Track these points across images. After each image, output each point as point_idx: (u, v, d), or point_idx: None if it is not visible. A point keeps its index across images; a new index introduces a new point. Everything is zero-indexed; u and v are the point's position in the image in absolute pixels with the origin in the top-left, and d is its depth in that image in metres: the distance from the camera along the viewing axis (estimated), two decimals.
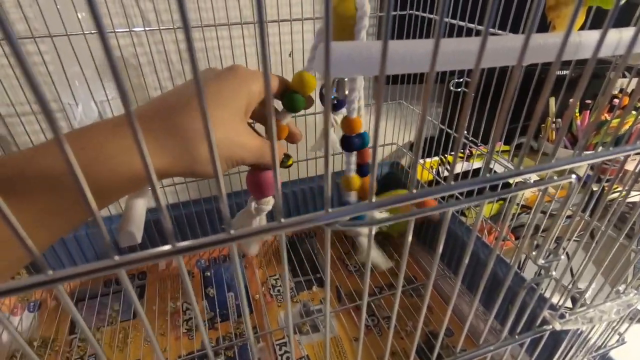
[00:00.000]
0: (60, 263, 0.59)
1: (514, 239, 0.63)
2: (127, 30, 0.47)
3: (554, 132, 0.84)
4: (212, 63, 0.56)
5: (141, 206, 0.30)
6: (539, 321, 0.25)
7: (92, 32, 0.44)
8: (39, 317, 0.57)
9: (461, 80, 0.47)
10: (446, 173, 0.74)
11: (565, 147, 0.84)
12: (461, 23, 0.47)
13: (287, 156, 0.29)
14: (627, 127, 0.79)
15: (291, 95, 0.27)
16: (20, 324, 0.55)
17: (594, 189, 0.72)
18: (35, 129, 0.54)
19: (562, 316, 0.25)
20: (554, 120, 0.82)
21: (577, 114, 0.81)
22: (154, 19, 0.54)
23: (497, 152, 0.80)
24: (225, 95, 0.23)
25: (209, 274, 0.64)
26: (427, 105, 0.12)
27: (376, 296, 0.59)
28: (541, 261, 0.19)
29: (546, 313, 0.25)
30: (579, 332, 0.28)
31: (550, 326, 0.25)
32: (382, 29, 0.11)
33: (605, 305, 0.26)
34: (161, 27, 0.50)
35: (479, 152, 0.69)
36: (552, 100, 0.80)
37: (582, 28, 0.27)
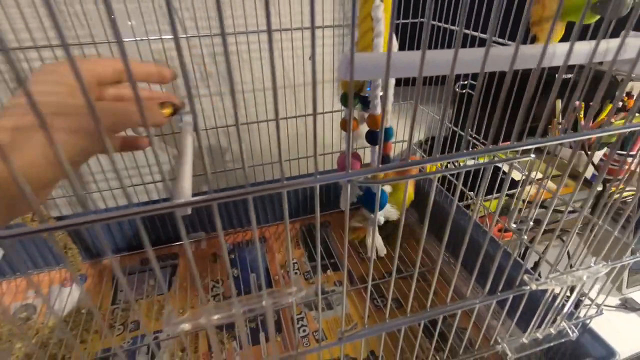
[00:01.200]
0: None
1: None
2: (171, 37, 0.54)
3: (559, 132, 0.87)
4: (233, 65, 0.63)
5: (188, 170, 0.37)
6: (517, 282, 0.30)
7: (142, 38, 0.51)
8: (85, 289, 0.64)
9: (466, 82, 0.52)
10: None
11: (570, 147, 0.87)
12: (472, 32, 0.53)
13: (162, 105, 0.28)
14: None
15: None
16: (70, 294, 0.62)
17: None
18: None
19: (537, 279, 0.30)
20: (559, 121, 0.86)
21: (582, 116, 0.85)
22: (190, 25, 0.60)
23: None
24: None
25: (233, 256, 0.70)
26: (419, 91, 0.17)
27: (385, 279, 0.64)
28: (512, 225, 0.25)
29: (525, 277, 0.31)
30: (551, 297, 0.33)
31: (528, 287, 0.30)
32: (387, 44, 0.17)
33: (578, 272, 0.31)
34: (197, 34, 0.57)
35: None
36: (558, 102, 0.84)
37: (563, 40, 0.32)
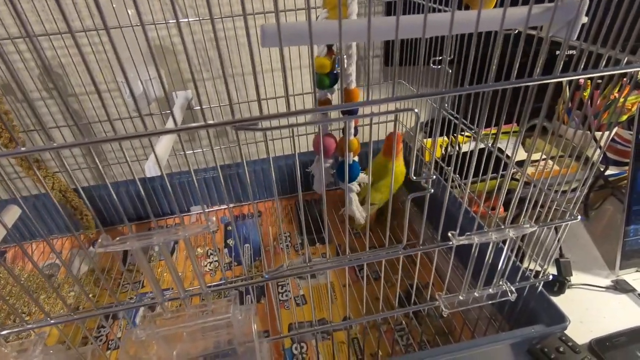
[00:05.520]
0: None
1: (502, 210, 0.67)
2: (164, 22, 0.59)
3: (566, 114, 0.84)
4: (232, 49, 0.67)
5: (165, 148, 0.42)
6: (439, 236, 0.32)
7: (138, 24, 0.56)
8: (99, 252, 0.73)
9: (441, 58, 0.54)
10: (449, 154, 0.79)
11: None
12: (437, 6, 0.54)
13: None
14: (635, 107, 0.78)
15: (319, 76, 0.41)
16: (85, 256, 0.70)
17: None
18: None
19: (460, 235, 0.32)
20: (568, 102, 0.83)
21: (585, 94, 0.81)
22: (190, 13, 0.65)
23: (509, 132, 0.83)
24: None
25: (230, 228, 0.76)
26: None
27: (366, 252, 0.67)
28: (413, 177, 0.27)
29: (449, 234, 0.33)
30: (476, 251, 0.34)
31: (451, 242, 0.32)
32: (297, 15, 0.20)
33: (505, 231, 0.33)
34: (189, 20, 0.61)
35: (484, 133, 0.73)
36: (565, 82, 0.81)
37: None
